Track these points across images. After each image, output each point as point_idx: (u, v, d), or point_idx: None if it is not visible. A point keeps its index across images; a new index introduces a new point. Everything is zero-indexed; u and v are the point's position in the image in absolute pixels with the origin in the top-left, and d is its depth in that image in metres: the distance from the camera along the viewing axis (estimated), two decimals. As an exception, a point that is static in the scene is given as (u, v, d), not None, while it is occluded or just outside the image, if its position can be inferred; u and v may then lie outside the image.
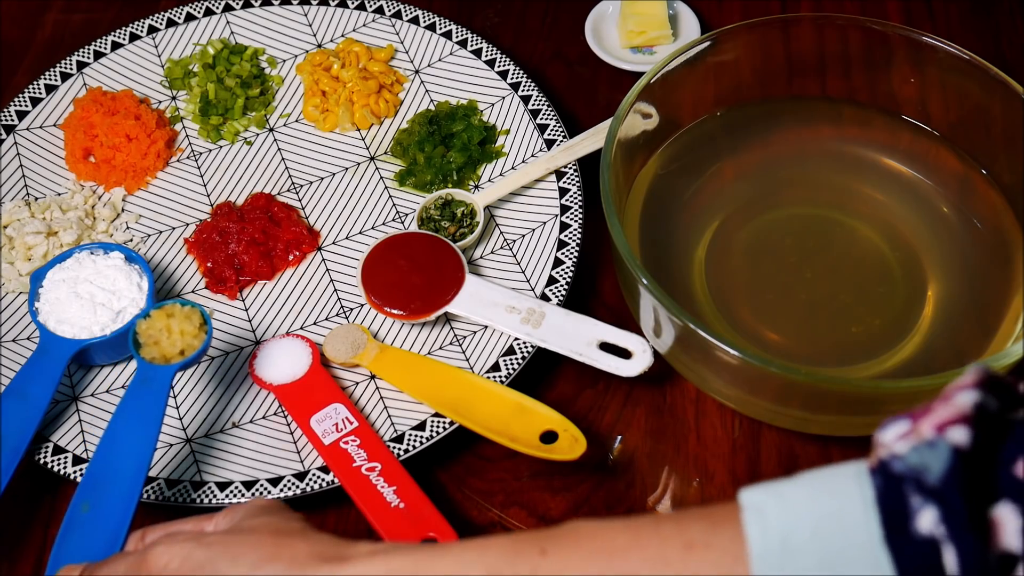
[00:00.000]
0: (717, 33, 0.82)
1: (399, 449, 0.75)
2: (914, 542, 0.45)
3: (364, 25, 0.98)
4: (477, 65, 0.94)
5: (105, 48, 0.96)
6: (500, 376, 0.78)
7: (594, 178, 0.83)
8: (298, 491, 0.73)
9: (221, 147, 0.92)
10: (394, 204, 0.88)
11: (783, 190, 0.84)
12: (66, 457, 0.75)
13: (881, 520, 0.46)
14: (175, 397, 0.78)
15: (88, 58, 0.96)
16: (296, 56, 0.97)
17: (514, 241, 0.85)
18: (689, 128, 0.84)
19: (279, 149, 0.92)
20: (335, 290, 0.84)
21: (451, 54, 0.95)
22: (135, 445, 0.70)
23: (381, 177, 0.90)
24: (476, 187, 0.89)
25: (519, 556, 0.52)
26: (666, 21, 0.97)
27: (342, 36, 0.97)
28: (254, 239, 0.85)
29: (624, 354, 0.76)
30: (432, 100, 0.93)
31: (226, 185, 0.90)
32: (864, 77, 0.84)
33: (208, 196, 0.89)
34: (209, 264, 0.85)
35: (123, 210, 0.89)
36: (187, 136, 0.93)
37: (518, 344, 0.79)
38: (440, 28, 0.96)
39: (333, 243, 0.87)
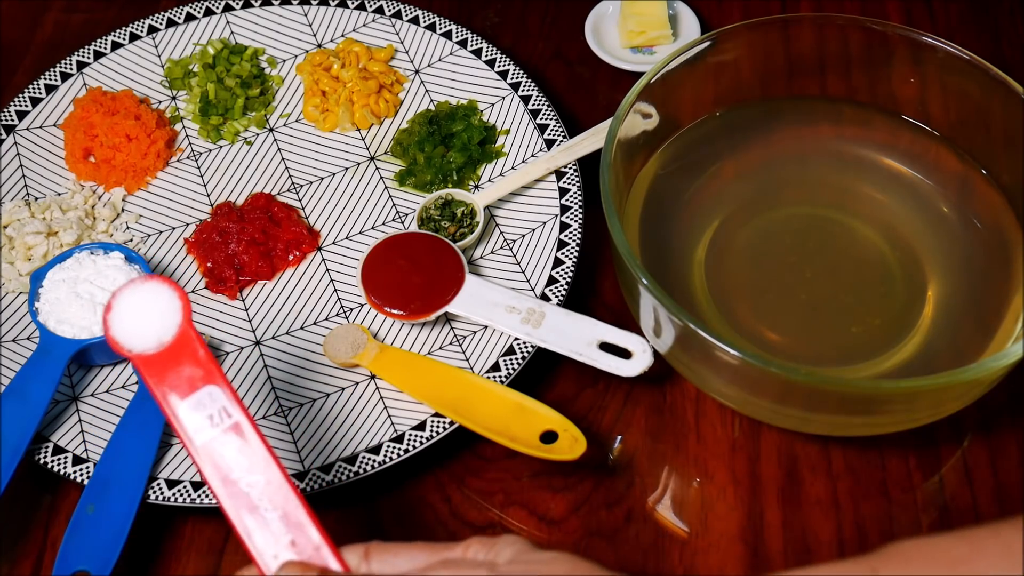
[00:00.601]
0: (717, 33, 0.82)
1: (399, 449, 0.75)
2: None
3: (364, 25, 0.98)
4: (477, 65, 0.94)
5: (105, 48, 0.96)
6: (500, 376, 0.78)
7: (594, 178, 0.83)
8: (298, 491, 0.73)
9: (221, 147, 0.92)
10: (394, 204, 0.88)
11: (783, 190, 0.84)
12: (66, 457, 0.76)
13: None
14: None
15: (88, 58, 0.96)
16: (296, 56, 0.97)
17: (514, 241, 0.85)
18: (689, 128, 0.84)
19: (279, 149, 0.92)
20: (335, 290, 0.84)
21: (451, 54, 0.95)
22: (137, 452, 0.74)
23: (381, 177, 0.90)
24: (476, 187, 0.89)
25: None
26: (666, 21, 0.97)
27: (342, 36, 0.97)
28: (254, 239, 0.85)
29: (624, 354, 0.76)
30: (432, 100, 0.93)
31: (226, 185, 0.90)
32: (864, 77, 0.84)
33: (208, 196, 0.89)
34: (209, 264, 0.85)
35: (123, 210, 0.89)
36: (187, 136, 0.93)
37: (518, 344, 0.79)
38: (440, 28, 0.96)
39: (333, 243, 0.87)
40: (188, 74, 0.95)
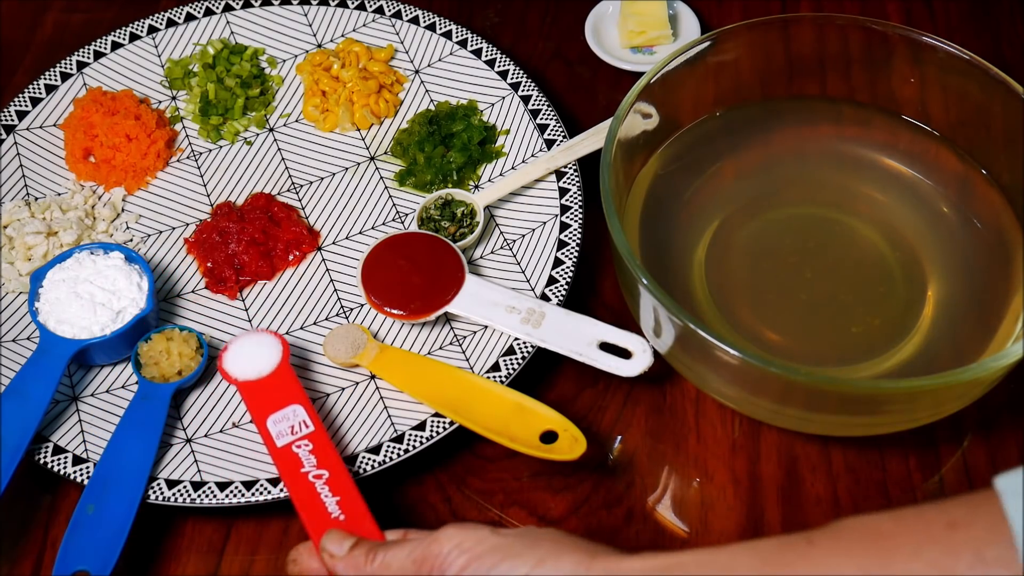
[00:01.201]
0: (717, 33, 0.82)
1: (399, 449, 0.75)
2: None
3: (364, 25, 0.98)
4: (477, 65, 0.94)
5: (105, 48, 0.96)
6: (500, 376, 0.78)
7: (594, 178, 0.83)
8: (298, 491, 0.73)
9: (221, 147, 0.92)
10: (394, 204, 0.88)
11: (783, 190, 0.84)
12: (66, 457, 0.75)
13: None
14: (175, 397, 0.78)
15: (88, 58, 0.96)
16: (296, 56, 0.97)
17: (514, 241, 0.85)
18: (689, 128, 0.84)
19: (279, 149, 0.92)
20: (335, 290, 0.84)
21: (451, 54, 0.95)
22: (137, 452, 0.74)
23: (381, 177, 0.90)
24: (476, 187, 0.89)
25: (788, 548, 0.55)
26: (666, 21, 0.97)
27: (342, 36, 0.97)
28: (254, 239, 0.85)
29: (624, 354, 0.76)
30: (432, 100, 0.93)
31: (226, 185, 0.90)
32: (864, 77, 0.84)
33: (208, 196, 0.89)
34: (209, 264, 0.85)
35: (123, 210, 0.89)
36: (187, 136, 0.93)
37: (518, 344, 0.79)
38: (440, 28, 0.96)
39: (333, 243, 0.87)
40: (188, 74, 0.95)
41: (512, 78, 0.93)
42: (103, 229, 0.87)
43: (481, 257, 0.85)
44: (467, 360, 0.79)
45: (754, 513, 0.74)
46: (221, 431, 0.77)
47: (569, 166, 0.87)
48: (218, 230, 0.85)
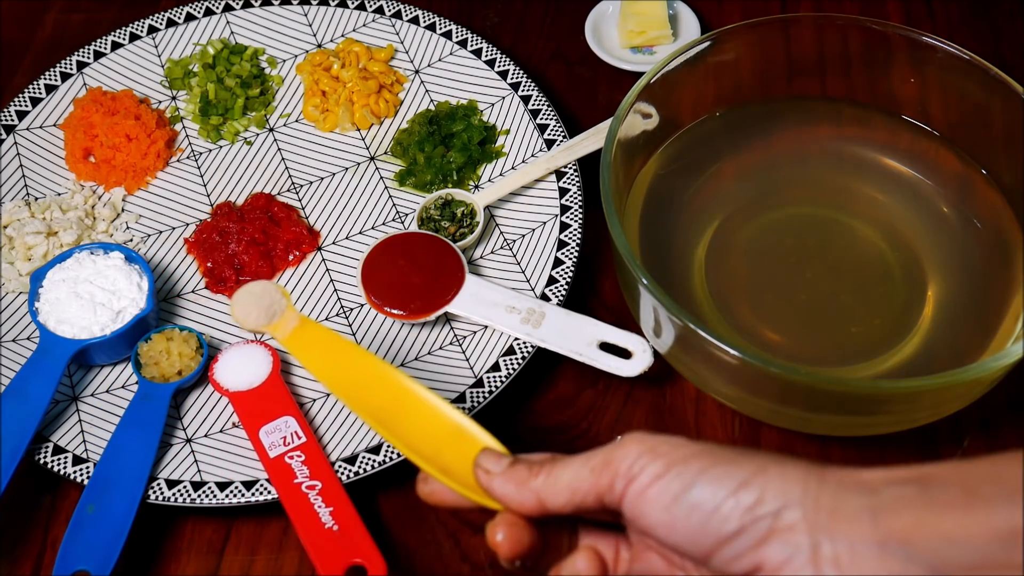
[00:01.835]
0: (717, 33, 0.82)
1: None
2: None
3: (364, 25, 0.98)
4: (477, 65, 0.94)
5: (105, 48, 0.96)
6: (500, 376, 0.78)
7: (594, 178, 0.83)
8: (298, 491, 0.73)
9: (221, 147, 0.92)
10: (394, 204, 0.88)
11: (783, 190, 0.84)
12: (66, 457, 0.75)
13: None
14: (175, 398, 0.78)
15: (88, 58, 0.96)
16: (296, 56, 0.97)
17: (514, 241, 0.85)
18: (689, 128, 0.84)
19: (279, 149, 0.92)
20: (335, 290, 0.84)
21: (451, 54, 0.95)
22: (137, 452, 0.74)
23: (381, 177, 0.90)
24: (476, 187, 0.89)
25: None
26: (666, 21, 0.97)
27: (342, 36, 0.97)
28: (254, 239, 0.85)
29: (624, 354, 0.76)
30: (432, 100, 0.93)
31: (226, 185, 0.90)
32: (864, 77, 0.84)
33: (208, 196, 0.89)
34: (209, 264, 0.85)
35: (123, 210, 0.89)
36: (187, 136, 0.93)
37: (518, 344, 0.79)
38: (440, 28, 0.96)
39: (333, 243, 0.87)
40: (188, 74, 0.95)
41: (512, 78, 0.93)
42: (103, 229, 0.87)
43: (481, 257, 0.85)
44: (467, 360, 0.79)
45: (754, 513, 0.74)
46: (221, 431, 0.77)
47: (569, 166, 0.87)
48: (218, 230, 0.85)
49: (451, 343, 0.81)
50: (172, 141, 0.92)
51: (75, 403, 0.79)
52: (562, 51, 0.99)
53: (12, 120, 0.92)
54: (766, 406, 0.72)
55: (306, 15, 0.98)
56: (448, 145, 0.90)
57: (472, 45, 0.95)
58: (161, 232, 0.88)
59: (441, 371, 0.79)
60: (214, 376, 0.78)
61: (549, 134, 0.89)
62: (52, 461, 0.75)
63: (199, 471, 0.75)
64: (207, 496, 0.74)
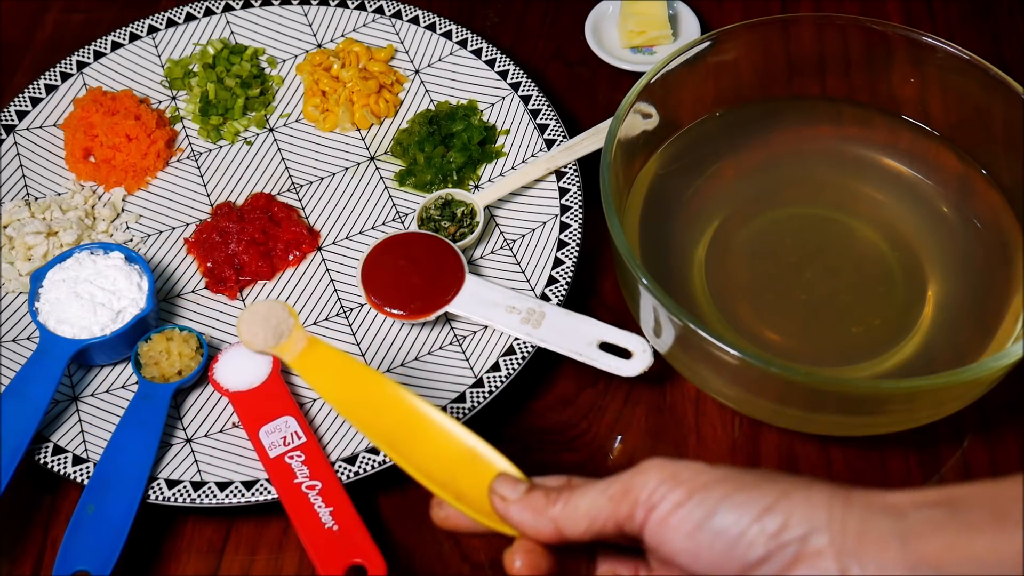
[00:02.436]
0: (717, 33, 0.82)
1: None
2: None
3: (364, 25, 0.98)
4: (477, 65, 0.94)
5: (105, 48, 0.96)
6: (500, 376, 0.78)
7: (594, 178, 0.83)
8: (298, 491, 0.73)
9: (221, 147, 0.92)
10: (394, 204, 0.88)
11: (783, 190, 0.84)
12: (66, 457, 0.75)
13: None
14: (175, 398, 0.78)
15: (88, 58, 0.96)
16: (296, 56, 0.97)
17: (514, 241, 0.85)
18: (689, 128, 0.84)
19: (279, 149, 0.92)
20: (335, 290, 0.84)
21: (451, 54, 0.95)
22: (137, 452, 0.74)
23: (381, 177, 0.90)
24: (476, 187, 0.89)
25: None
26: (666, 21, 0.97)
27: (342, 36, 0.97)
28: (254, 239, 0.85)
29: (624, 354, 0.76)
30: (432, 100, 0.93)
31: (226, 185, 0.90)
32: (864, 77, 0.84)
33: (208, 196, 0.89)
34: (209, 264, 0.85)
35: (123, 210, 0.89)
36: (187, 136, 0.93)
37: (518, 344, 0.79)
38: (440, 28, 0.96)
39: (333, 243, 0.87)
40: (188, 74, 0.95)
41: (512, 78, 0.93)
42: (103, 229, 0.87)
43: (481, 257, 0.85)
44: (467, 360, 0.79)
45: (754, 513, 0.74)
46: (221, 431, 0.77)
47: (569, 166, 0.87)
48: (218, 230, 0.85)
49: (451, 343, 0.81)
50: (172, 141, 0.92)
51: (75, 403, 0.79)
52: (562, 51, 0.99)
53: (12, 120, 0.92)
54: (766, 406, 0.72)
55: (306, 15, 0.98)
56: (448, 145, 0.90)
57: (472, 45, 0.95)
58: (161, 232, 0.88)
59: (441, 371, 0.79)
60: (214, 376, 0.78)
61: (549, 134, 0.89)
62: (52, 461, 0.75)
63: (199, 471, 0.75)
64: (207, 496, 0.74)
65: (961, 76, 0.80)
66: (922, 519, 0.48)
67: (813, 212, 0.83)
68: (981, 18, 0.99)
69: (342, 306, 0.83)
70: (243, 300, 0.84)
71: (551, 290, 0.82)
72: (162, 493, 0.74)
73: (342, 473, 0.74)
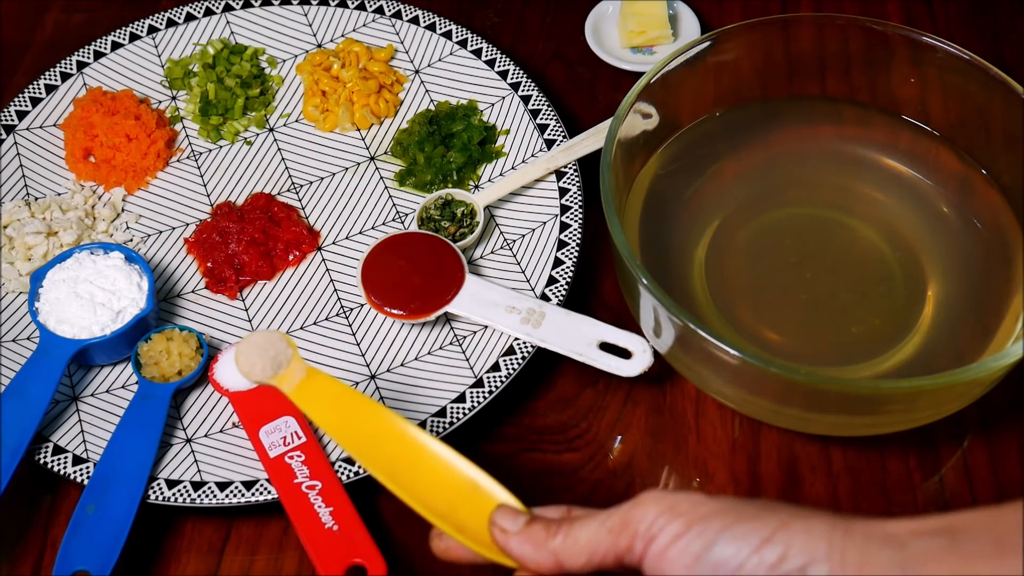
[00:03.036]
0: (717, 33, 0.82)
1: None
2: None
3: (364, 25, 0.98)
4: (477, 65, 0.94)
5: (105, 48, 0.96)
6: (500, 376, 0.78)
7: (594, 178, 0.83)
8: (298, 491, 0.73)
9: (221, 147, 0.92)
10: (394, 204, 0.88)
11: (783, 190, 0.84)
12: (66, 457, 0.75)
13: None
14: (175, 398, 0.78)
15: (88, 58, 0.96)
16: (296, 56, 0.97)
17: (514, 241, 0.85)
18: (689, 128, 0.84)
19: (279, 149, 0.92)
20: (335, 290, 0.84)
21: (451, 54, 0.95)
22: (137, 452, 0.74)
23: (381, 177, 0.90)
24: (476, 187, 0.89)
25: None
26: (666, 21, 0.97)
27: (342, 36, 0.97)
28: (254, 239, 0.85)
29: (624, 354, 0.76)
30: (432, 100, 0.93)
31: (226, 185, 0.90)
32: (864, 77, 0.84)
33: (208, 196, 0.89)
34: (209, 264, 0.85)
35: (123, 210, 0.89)
36: (187, 136, 0.93)
37: (518, 344, 0.79)
38: (440, 28, 0.96)
39: (333, 243, 0.87)
40: (188, 74, 0.95)
41: (512, 78, 0.93)
42: (103, 229, 0.87)
43: (481, 257, 0.85)
44: (467, 360, 0.79)
45: (754, 513, 0.74)
46: (221, 431, 0.77)
47: (569, 166, 0.87)
48: (218, 230, 0.85)
49: (451, 343, 0.81)
50: (172, 141, 0.92)
51: (75, 403, 0.79)
52: (562, 51, 0.99)
53: (12, 120, 0.92)
54: (766, 406, 0.72)
55: (306, 15, 0.98)
56: (448, 145, 0.90)
57: (472, 45, 0.95)
58: (161, 232, 0.88)
59: (441, 371, 0.79)
60: (214, 376, 0.78)
61: (549, 134, 0.89)
62: (52, 461, 0.75)
63: (199, 471, 0.75)
64: (207, 496, 0.74)
65: (961, 76, 0.80)
66: (922, 548, 0.48)
67: (813, 212, 0.83)
68: (981, 18, 0.99)
69: (342, 306, 0.83)
70: (243, 300, 0.84)
71: (551, 290, 0.82)
72: (162, 493, 0.74)
73: (342, 473, 0.74)
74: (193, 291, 0.85)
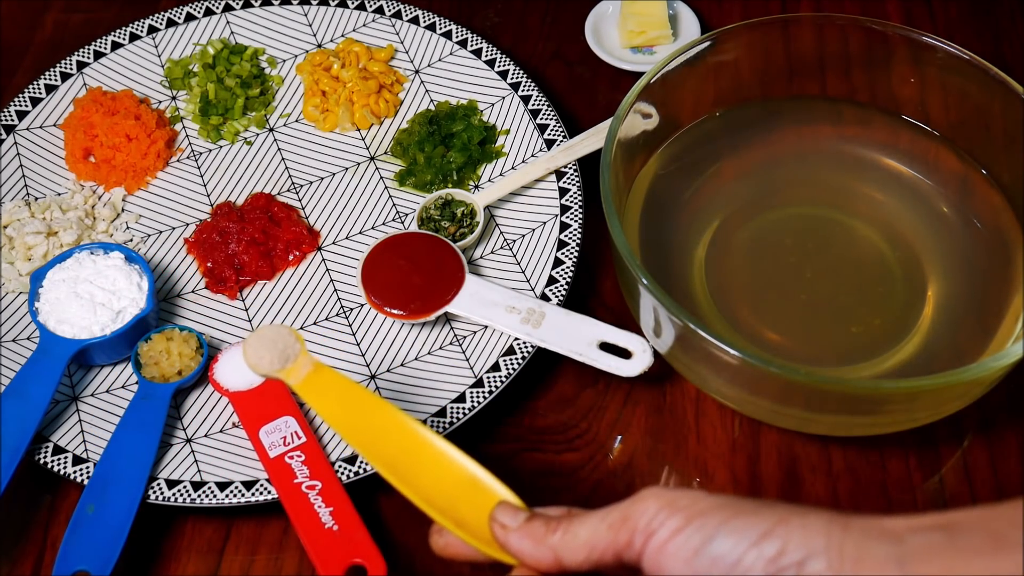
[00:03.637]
0: (717, 33, 0.82)
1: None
2: None
3: (364, 25, 0.98)
4: (477, 65, 0.94)
5: (105, 48, 0.96)
6: (500, 376, 0.78)
7: (594, 178, 0.83)
8: (298, 491, 0.73)
9: (221, 147, 0.92)
10: (394, 204, 0.88)
11: (783, 190, 0.84)
12: (66, 457, 0.75)
13: None
14: (175, 398, 0.78)
15: (88, 58, 0.96)
16: (296, 56, 0.97)
17: (514, 241, 0.85)
18: (689, 128, 0.84)
19: (279, 149, 0.92)
20: (335, 290, 0.84)
21: (451, 54, 0.95)
22: (137, 452, 0.74)
23: (381, 177, 0.90)
24: (476, 187, 0.89)
25: None
26: (666, 21, 0.97)
27: (342, 36, 0.97)
28: (254, 239, 0.85)
29: (624, 354, 0.76)
30: (432, 100, 0.93)
31: (226, 185, 0.90)
32: (864, 77, 0.84)
33: (208, 196, 0.89)
34: (209, 264, 0.85)
35: (123, 210, 0.89)
36: (187, 136, 0.93)
37: (518, 344, 0.79)
38: (440, 28, 0.96)
39: (333, 243, 0.87)
40: (188, 74, 0.95)
41: (512, 78, 0.93)
42: (103, 229, 0.87)
43: (481, 257, 0.85)
44: (467, 360, 0.79)
45: (754, 513, 0.74)
46: (221, 431, 0.77)
47: (569, 166, 0.87)
48: (218, 230, 0.85)
49: (451, 343, 0.81)
50: (172, 141, 0.92)
51: (75, 403, 0.79)
52: (562, 51, 0.99)
53: (12, 120, 0.92)
54: (766, 406, 0.72)
55: (306, 15, 0.98)
56: (448, 145, 0.90)
57: (472, 45, 0.95)
58: (161, 232, 0.88)
59: (441, 371, 0.79)
60: (214, 376, 0.78)
61: (549, 134, 0.89)
62: (52, 461, 0.75)
63: (199, 471, 0.75)
64: (207, 496, 0.74)
65: (961, 76, 0.80)
66: (920, 543, 0.49)
67: (813, 212, 0.83)
68: (981, 18, 0.99)
69: (342, 306, 0.83)
70: (243, 300, 0.84)
71: (551, 290, 0.82)
72: (162, 493, 0.74)
73: (342, 473, 0.74)
74: (193, 291, 0.85)
